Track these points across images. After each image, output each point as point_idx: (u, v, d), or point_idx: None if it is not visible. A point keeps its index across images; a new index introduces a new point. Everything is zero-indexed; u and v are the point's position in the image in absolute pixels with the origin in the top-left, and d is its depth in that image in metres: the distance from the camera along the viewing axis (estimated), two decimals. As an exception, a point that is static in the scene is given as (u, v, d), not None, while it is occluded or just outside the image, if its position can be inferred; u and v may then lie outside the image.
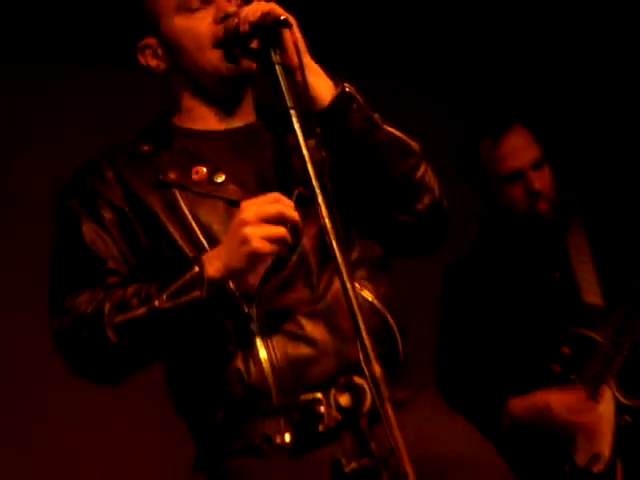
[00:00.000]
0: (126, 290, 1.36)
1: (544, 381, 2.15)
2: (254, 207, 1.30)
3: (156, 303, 1.32)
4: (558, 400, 2.10)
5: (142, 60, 1.53)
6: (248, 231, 1.28)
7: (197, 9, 1.45)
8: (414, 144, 1.45)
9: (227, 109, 1.52)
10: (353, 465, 1.30)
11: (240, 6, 1.42)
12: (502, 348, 2.24)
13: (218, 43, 1.42)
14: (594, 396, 2.09)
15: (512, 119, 2.30)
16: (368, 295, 1.42)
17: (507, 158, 2.23)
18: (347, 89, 1.41)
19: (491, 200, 2.35)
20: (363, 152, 1.42)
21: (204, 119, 1.53)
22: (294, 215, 1.30)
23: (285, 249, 1.34)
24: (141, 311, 1.33)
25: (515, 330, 2.23)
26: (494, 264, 2.32)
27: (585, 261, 2.23)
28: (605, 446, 2.08)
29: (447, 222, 1.48)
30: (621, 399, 2.11)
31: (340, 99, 1.40)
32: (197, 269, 1.32)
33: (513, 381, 2.19)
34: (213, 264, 1.32)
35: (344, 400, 1.32)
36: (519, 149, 2.23)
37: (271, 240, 1.28)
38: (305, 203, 1.34)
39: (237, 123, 1.53)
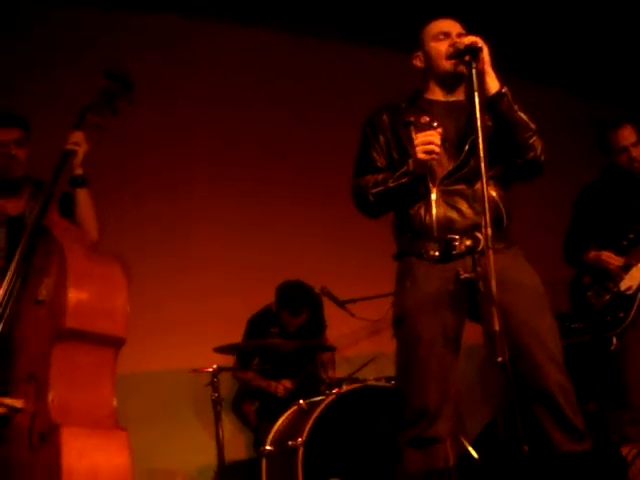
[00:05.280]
0: (379, 176, 2.71)
1: (619, 250, 3.97)
2: (421, 136, 2.60)
3: (389, 183, 2.68)
4: (614, 256, 3.94)
5: (414, 61, 2.84)
6: (417, 148, 2.59)
7: (441, 39, 2.74)
8: (533, 124, 2.67)
9: (448, 90, 2.81)
10: (465, 275, 2.57)
11: (461, 36, 2.65)
12: (601, 230, 4.05)
13: (449, 56, 2.67)
14: (636, 262, 3.92)
15: (624, 119, 3.95)
16: (493, 193, 2.67)
17: (620, 140, 3.98)
18: (504, 89, 2.63)
19: (610, 158, 4.07)
20: (505, 123, 2.65)
21: (436, 94, 2.82)
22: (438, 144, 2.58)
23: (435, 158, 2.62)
24: (382, 187, 2.69)
25: (611, 223, 4.03)
26: (607, 190, 4.09)
27: None
28: (635, 283, 3.88)
29: (541, 167, 2.71)
30: None
31: (499, 93, 2.63)
32: (406, 167, 2.64)
33: (605, 245, 4.03)
34: (411, 164, 2.63)
35: (468, 242, 2.61)
36: (626, 136, 3.97)
37: (426, 152, 2.58)
38: (474, 145, 2.55)
39: (451, 98, 2.82)
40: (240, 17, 5.31)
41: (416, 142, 2.62)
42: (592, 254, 4.01)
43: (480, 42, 2.54)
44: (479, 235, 2.57)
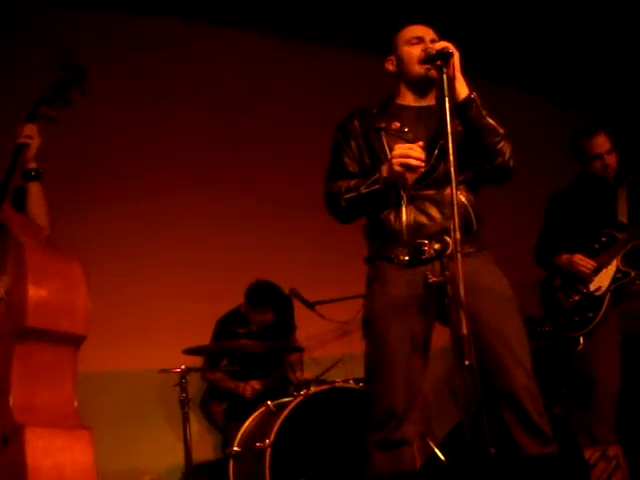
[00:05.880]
0: (351, 182, 2.71)
1: (591, 253, 4.02)
2: (400, 149, 2.60)
3: (361, 190, 2.67)
4: (586, 259, 3.98)
5: (387, 65, 2.85)
6: (393, 160, 2.59)
7: (415, 44, 2.75)
8: (501, 129, 2.69)
9: (419, 95, 2.82)
10: (434, 279, 2.58)
11: (434, 41, 2.67)
12: (574, 234, 4.10)
13: (421, 61, 2.69)
14: (606, 264, 3.98)
15: (598, 127, 4.01)
16: (462, 197, 2.69)
17: (595, 148, 4.03)
18: (473, 95, 2.65)
19: (585, 165, 4.11)
20: (474, 128, 2.67)
21: (407, 98, 2.83)
22: (419, 157, 2.57)
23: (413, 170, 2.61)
24: (354, 193, 2.69)
25: (583, 227, 4.07)
26: (580, 195, 4.15)
27: (623, 202, 3.94)
28: (605, 284, 3.94)
29: (509, 172, 2.73)
30: (620, 266, 3.95)
31: (468, 99, 2.64)
32: (378, 174, 2.65)
33: (576, 249, 4.06)
34: (384, 171, 2.63)
35: (437, 246, 2.62)
36: (601, 144, 4.02)
37: (402, 165, 2.58)
38: (443, 150, 2.55)
39: (423, 103, 2.83)
40: (236, 21, 5.31)
41: (394, 153, 2.64)
42: (564, 257, 4.06)
43: (451, 48, 2.56)
44: (448, 239, 2.59)
